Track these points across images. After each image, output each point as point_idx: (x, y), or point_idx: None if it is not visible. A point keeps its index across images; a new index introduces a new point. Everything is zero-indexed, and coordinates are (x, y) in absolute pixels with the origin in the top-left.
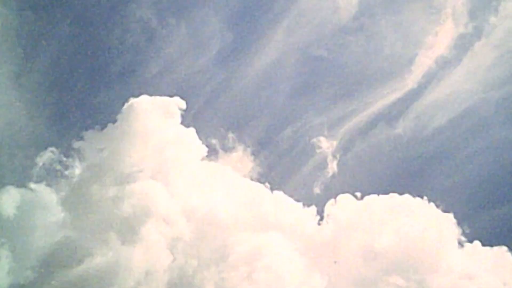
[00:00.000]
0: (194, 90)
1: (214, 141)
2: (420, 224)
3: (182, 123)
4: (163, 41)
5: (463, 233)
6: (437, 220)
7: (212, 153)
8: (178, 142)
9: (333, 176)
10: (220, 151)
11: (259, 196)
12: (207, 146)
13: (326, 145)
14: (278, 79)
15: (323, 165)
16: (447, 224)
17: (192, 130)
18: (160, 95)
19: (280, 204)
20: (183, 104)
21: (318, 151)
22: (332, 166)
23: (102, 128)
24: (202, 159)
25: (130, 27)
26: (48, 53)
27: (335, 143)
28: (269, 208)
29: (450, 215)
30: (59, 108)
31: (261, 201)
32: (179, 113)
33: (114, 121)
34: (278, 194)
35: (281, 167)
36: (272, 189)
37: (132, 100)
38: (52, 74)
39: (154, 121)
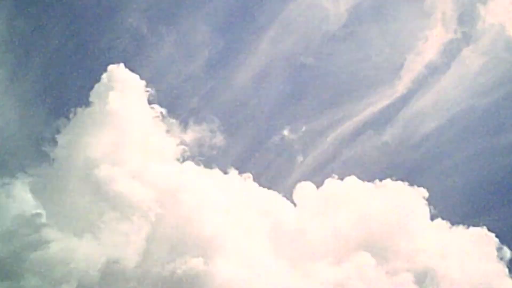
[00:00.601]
0: (183, 97)
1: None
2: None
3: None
4: (153, 49)
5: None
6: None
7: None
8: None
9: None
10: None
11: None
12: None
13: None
14: (267, 87)
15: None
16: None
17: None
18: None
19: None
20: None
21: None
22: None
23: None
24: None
25: (120, 35)
26: (39, 60)
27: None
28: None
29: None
30: (49, 113)
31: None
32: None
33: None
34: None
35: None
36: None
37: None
38: (43, 81)
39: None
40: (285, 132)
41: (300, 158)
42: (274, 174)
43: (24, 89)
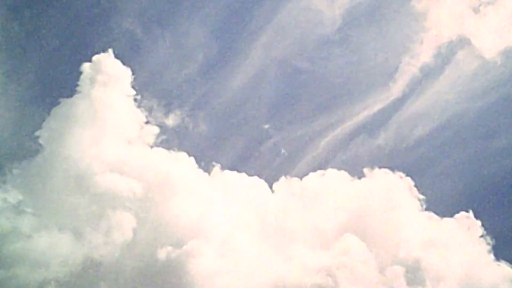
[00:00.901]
0: (178, 100)
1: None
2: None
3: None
4: (148, 51)
5: None
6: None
7: None
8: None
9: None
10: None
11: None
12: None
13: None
14: (261, 90)
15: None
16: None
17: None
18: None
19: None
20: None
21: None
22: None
23: None
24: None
25: (115, 38)
26: (34, 64)
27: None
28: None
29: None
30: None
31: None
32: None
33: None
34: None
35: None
36: None
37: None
38: (38, 85)
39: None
40: (278, 137)
41: (290, 160)
42: (265, 172)
43: (19, 89)
